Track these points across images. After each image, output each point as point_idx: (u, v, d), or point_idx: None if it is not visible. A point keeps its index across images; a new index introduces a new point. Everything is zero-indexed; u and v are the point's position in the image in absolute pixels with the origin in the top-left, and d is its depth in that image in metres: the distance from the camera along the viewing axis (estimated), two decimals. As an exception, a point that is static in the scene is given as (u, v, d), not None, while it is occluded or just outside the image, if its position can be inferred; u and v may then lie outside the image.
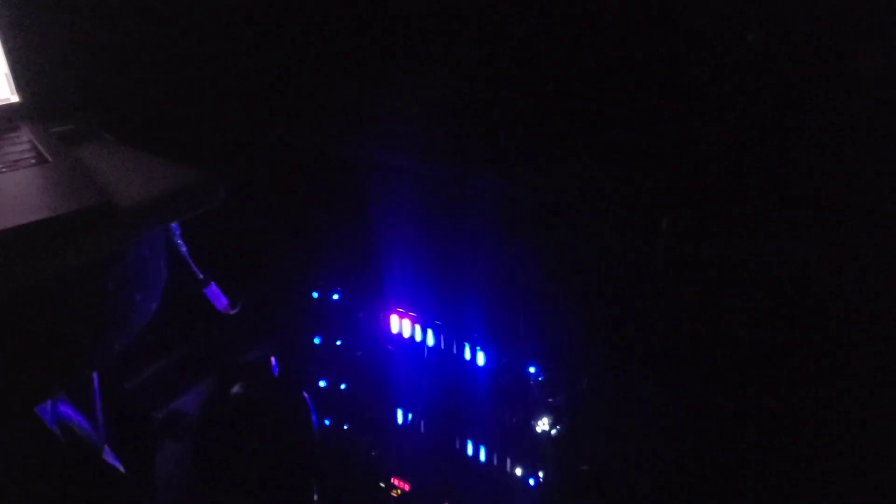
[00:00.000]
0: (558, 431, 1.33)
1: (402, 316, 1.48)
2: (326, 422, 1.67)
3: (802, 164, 0.96)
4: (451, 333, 1.43)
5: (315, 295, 1.61)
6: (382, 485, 1.62)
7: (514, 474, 1.42)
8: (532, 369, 1.34)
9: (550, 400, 1.34)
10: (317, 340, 1.64)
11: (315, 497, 1.08)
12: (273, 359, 1.13)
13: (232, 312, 1.45)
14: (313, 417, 1.10)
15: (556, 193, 1.07)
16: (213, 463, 1.07)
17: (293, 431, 1.07)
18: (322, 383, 1.67)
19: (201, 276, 1.37)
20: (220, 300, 1.42)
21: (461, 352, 1.41)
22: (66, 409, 1.03)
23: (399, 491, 1.61)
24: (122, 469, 1.11)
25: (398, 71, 1.25)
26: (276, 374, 1.11)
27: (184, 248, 1.30)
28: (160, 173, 0.96)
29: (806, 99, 0.95)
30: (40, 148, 1.02)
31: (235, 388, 1.08)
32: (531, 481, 1.40)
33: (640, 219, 0.97)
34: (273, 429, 1.06)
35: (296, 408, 1.09)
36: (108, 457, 1.10)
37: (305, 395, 1.12)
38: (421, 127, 1.23)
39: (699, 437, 1.15)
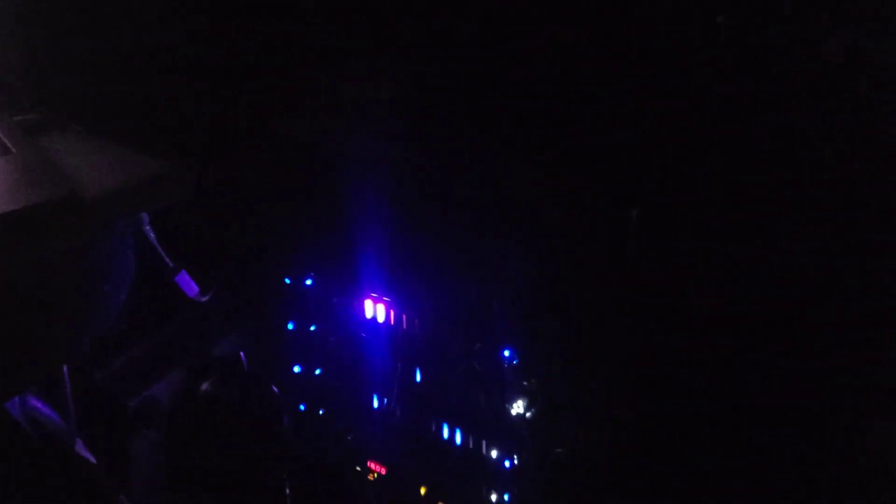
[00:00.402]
0: (533, 414, 1.34)
1: (375, 301, 1.48)
2: (301, 407, 1.67)
3: (772, 156, 0.97)
4: (426, 318, 1.42)
5: (287, 280, 1.60)
6: (359, 468, 1.63)
7: (490, 457, 1.42)
8: (506, 353, 1.34)
9: (525, 383, 1.34)
10: (290, 326, 1.64)
11: (287, 491, 1.08)
12: (242, 354, 1.12)
13: (203, 300, 1.44)
14: (281, 407, 1.10)
15: (528, 182, 1.07)
16: (186, 461, 1.07)
17: (263, 426, 1.07)
18: (297, 369, 1.66)
19: (171, 265, 1.35)
20: (191, 288, 1.40)
21: (436, 337, 1.42)
22: (36, 403, 1.02)
23: (376, 474, 1.62)
24: (94, 461, 1.10)
25: (368, 58, 1.24)
26: (246, 368, 1.10)
27: (153, 236, 1.28)
28: (128, 164, 0.95)
29: (776, 91, 0.96)
30: (2, 138, 1.00)
31: (205, 385, 1.07)
32: (507, 463, 1.41)
33: (611, 210, 0.98)
34: (243, 424, 1.06)
35: (266, 402, 1.09)
36: (81, 450, 1.09)
37: (275, 388, 1.12)
38: (393, 114, 1.22)
39: (671, 418, 1.17)
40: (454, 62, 1.18)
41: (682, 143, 1.00)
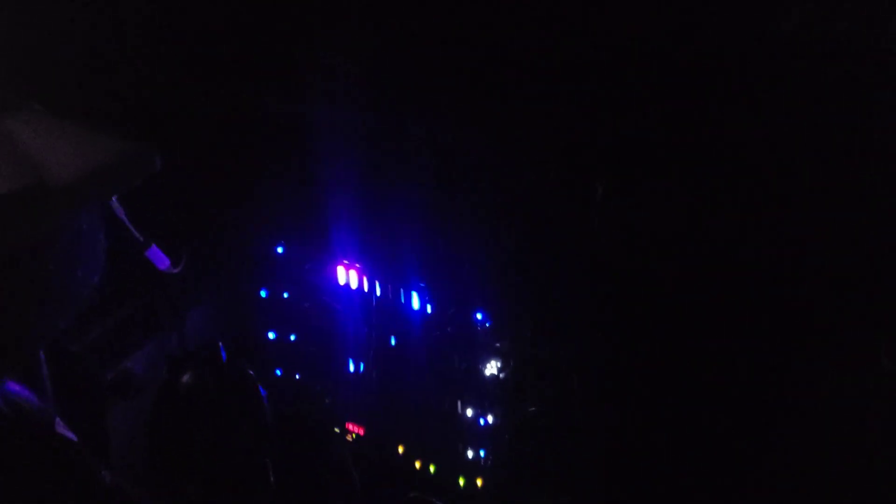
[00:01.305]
0: (506, 375, 1.37)
1: (347, 267, 1.49)
2: (278, 372, 1.69)
3: (738, 133, 0.98)
4: (399, 284, 1.44)
5: (258, 249, 1.61)
6: (337, 430, 1.66)
7: (465, 416, 1.46)
8: (479, 316, 1.36)
9: (497, 345, 1.37)
10: (263, 294, 1.65)
11: (271, 476, 1.11)
12: (220, 344, 1.13)
13: (175, 271, 1.44)
14: (263, 397, 1.12)
15: (496, 151, 1.08)
16: (170, 455, 1.08)
17: (244, 414, 1.09)
18: (271, 335, 1.68)
19: (141, 239, 1.35)
20: (161, 261, 1.40)
21: (409, 301, 1.43)
22: (12, 386, 1.02)
23: (354, 435, 1.65)
24: (74, 439, 1.11)
25: (335, 28, 1.23)
26: (224, 359, 1.11)
27: (121, 212, 1.27)
28: (94, 146, 0.93)
29: (738, 67, 0.97)
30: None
31: (185, 378, 1.08)
32: (481, 422, 1.44)
33: (576, 185, 1.00)
34: (225, 414, 1.07)
35: (245, 390, 1.10)
36: (60, 428, 1.10)
37: (252, 373, 1.13)
38: (360, 81, 1.21)
39: (637, 374, 1.21)
40: (422, 33, 1.18)
41: (648, 120, 1.01)
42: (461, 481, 1.48)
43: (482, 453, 1.46)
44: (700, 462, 1.20)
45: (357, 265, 1.48)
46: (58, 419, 1.12)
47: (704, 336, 1.09)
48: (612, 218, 1.01)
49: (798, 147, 0.96)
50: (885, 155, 0.93)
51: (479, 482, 1.46)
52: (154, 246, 1.38)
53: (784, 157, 0.96)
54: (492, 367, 1.38)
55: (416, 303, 1.43)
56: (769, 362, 1.06)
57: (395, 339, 1.50)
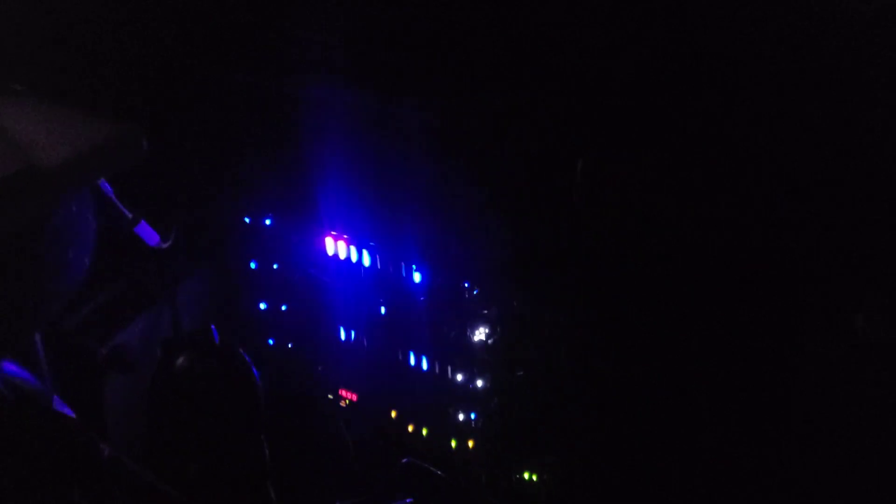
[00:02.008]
0: (494, 340, 1.40)
1: (336, 238, 1.50)
2: (270, 342, 1.72)
3: (717, 112, 1.00)
4: (387, 254, 1.46)
5: (247, 220, 1.62)
6: (331, 396, 1.69)
7: (456, 381, 1.49)
8: (466, 284, 1.39)
9: (485, 311, 1.40)
10: (253, 265, 1.66)
11: (266, 452, 1.14)
12: (213, 327, 1.15)
13: (165, 247, 1.45)
14: (256, 376, 1.14)
15: (480, 124, 1.09)
16: (169, 437, 1.11)
17: (238, 395, 1.11)
18: (263, 306, 1.70)
19: (130, 216, 1.35)
20: (151, 237, 1.41)
21: (398, 271, 1.45)
22: (9, 367, 1.04)
23: (347, 401, 1.68)
24: (73, 415, 1.13)
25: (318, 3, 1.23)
26: (217, 341, 1.13)
27: (109, 190, 1.28)
28: (82, 129, 0.94)
29: (718, 47, 0.98)
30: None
31: (179, 361, 1.10)
32: (471, 386, 1.48)
33: (558, 160, 1.02)
34: (219, 396, 1.10)
35: (238, 371, 1.12)
36: (58, 405, 1.12)
37: (244, 354, 1.15)
38: (346, 55, 1.22)
39: (616, 340, 1.24)
40: (404, 6, 1.18)
41: (627, 97, 1.03)
42: (453, 443, 1.52)
43: (473, 416, 1.49)
44: (681, 420, 1.24)
45: (345, 236, 1.49)
46: (56, 397, 1.15)
47: (685, 304, 1.12)
48: (593, 192, 1.04)
49: (771, 125, 0.98)
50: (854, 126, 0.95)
51: (470, 444, 1.50)
52: (143, 222, 1.39)
53: (759, 135, 0.98)
54: (480, 334, 1.41)
55: (405, 272, 1.45)
56: (748, 329, 1.09)
57: (386, 308, 1.52)
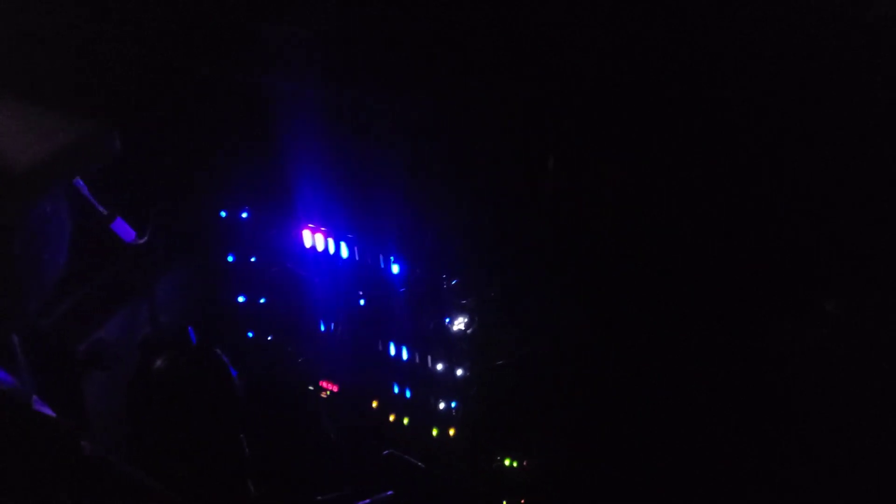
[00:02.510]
0: (473, 330, 1.41)
1: (314, 231, 1.51)
2: (250, 334, 1.72)
3: (685, 108, 1.01)
4: (365, 246, 1.46)
5: (224, 214, 1.62)
6: (311, 388, 1.69)
7: (436, 370, 1.50)
8: (444, 275, 1.40)
9: (464, 302, 1.41)
10: (230, 259, 1.66)
11: (245, 448, 1.15)
12: (190, 328, 1.15)
13: (141, 242, 1.45)
14: (234, 375, 1.15)
15: (455, 118, 1.10)
16: (149, 437, 1.12)
17: (216, 394, 1.12)
18: (241, 299, 1.70)
19: (105, 213, 1.35)
20: (127, 233, 1.41)
21: (376, 262, 1.46)
22: (-13, 369, 1.04)
23: (328, 392, 1.69)
24: (53, 414, 1.13)
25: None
26: (194, 342, 1.14)
27: (84, 188, 1.27)
28: (55, 128, 0.93)
29: (689, 39, 1.00)
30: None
31: (158, 363, 1.11)
32: (451, 376, 1.49)
33: (531, 155, 1.03)
34: (197, 395, 1.11)
35: (216, 370, 1.13)
36: (38, 405, 1.12)
37: (221, 354, 1.16)
38: (318, 52, 1.22)
39: (592, 326, 1.26)
40: (379, 6, 1.18)
41: (598, 93, 1.04)
42: (434, 432, 1.53)
43: (453, 405, 1.51)
44: (657, 405, 1.26)
45: (323, 228, 1.50)
46: (35, 397, 1.14)
47: (658, 292, 1.14)
48: (564, 187, 1.06)
49: (738, 119, 1.00)
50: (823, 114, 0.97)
51: (451, 432, 1.51)
52: (119, 218, 1.39)
53: (729, 125, 1.00)
54: (459, 323, 1.42)
55: (383, 263, 1.45)
56: (722, 312, 1.11)
57: (365, 299, 1.53)
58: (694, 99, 1.00)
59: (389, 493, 1.39)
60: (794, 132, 1.00)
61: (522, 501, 1.49)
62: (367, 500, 1.38)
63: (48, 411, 1.16)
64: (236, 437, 1.13)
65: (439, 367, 1.50)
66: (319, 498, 1.42)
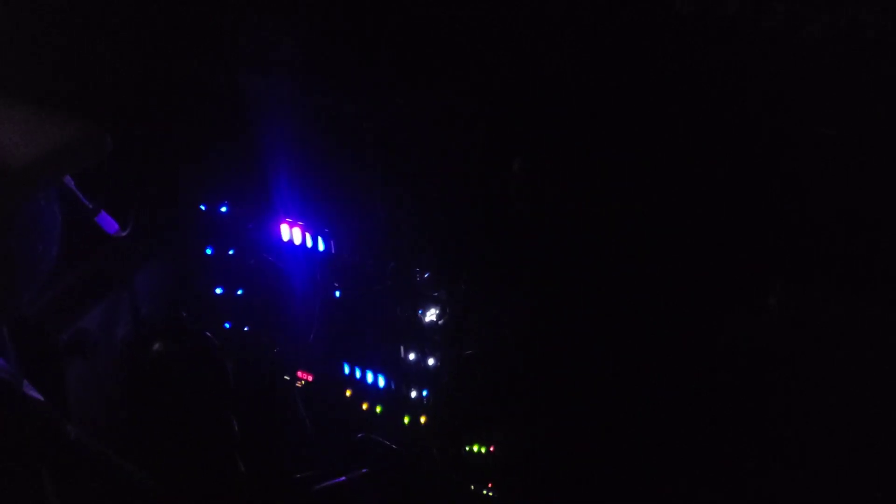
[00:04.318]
0: (444, 321, 1.48)
1: (291, 225, 1.56)
2: (227, 325, 1.76)
3: (643, 111, 1.08)
4: (340, 240, 1.52)
5: (203, 208, 1.66)
6: (287, 378, 1.74)
7: (409, 360, 1.56)
8: (417, 268, 1.46)
9: (436, 294, 1.47)
10: (209, 251, 1.70)
11: (235, 428, 1.20)
12: (184, 314, 1.20)
13: (124, 235, 1.49)
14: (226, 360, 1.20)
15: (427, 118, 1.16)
16: (145, 420, 1.17)
17: (210, 374, 1.17)
18: (218, 290, 1.74)
19: (90, 206, 1.39)
20: (111, 226, 1.44)
21: (351, 256, 1.51)
22: (-22, 355, 1.07)
23: (303, 381, 1.74)
24: (42, 399, 1.17)
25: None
26: (187, 330, 1.19)
27: (71, 182, 1.31)
28: (45, 128, 0.97)
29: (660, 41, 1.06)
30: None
31: (155, 347, 1.16)
32: (423, 365, 1.55)
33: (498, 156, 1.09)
34: (193, 376, 1.16)
35: (208, 353, 1.19)
36: (28, 389, 1.16)
37: (210, 335, 1.21)
38: (297, 52, 1.27)
39: (557, 317, 1.33)
40: (353, 8, 1.24)
41: (566, 93, 1.11)
42: (406, 419, 1.59)
43: (425, 393, 1.57)
44: (624, 391, 1.34)
45: (300, 223, 1.55)
46: (25, 381, 1.19)
47: (621, 286, 1.22)
48: (528, 189, 1.12)
49: (694, 123, 1.07)
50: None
51: (422, 419, 1.57)
52: (103, 212, 1.43)
53: (683, 136, 1.07)
54: (431, 315, 1.48)
55: (357, 258, 1.51)
56: (674, 305, 1.19)
57: (340, 291, 1.58)
58: (657, 107, 1.07)
59: (363, 471, 1.45)
60: (740, 142, 1.07)
61: (490, 485, 1.56)
62: (343, 478, 1.44)
63: (37, 396, 1.20)
64: (228, 418, 1.19)
65: (411, 356, 1.56)
66: (297, 476, 1.48)
